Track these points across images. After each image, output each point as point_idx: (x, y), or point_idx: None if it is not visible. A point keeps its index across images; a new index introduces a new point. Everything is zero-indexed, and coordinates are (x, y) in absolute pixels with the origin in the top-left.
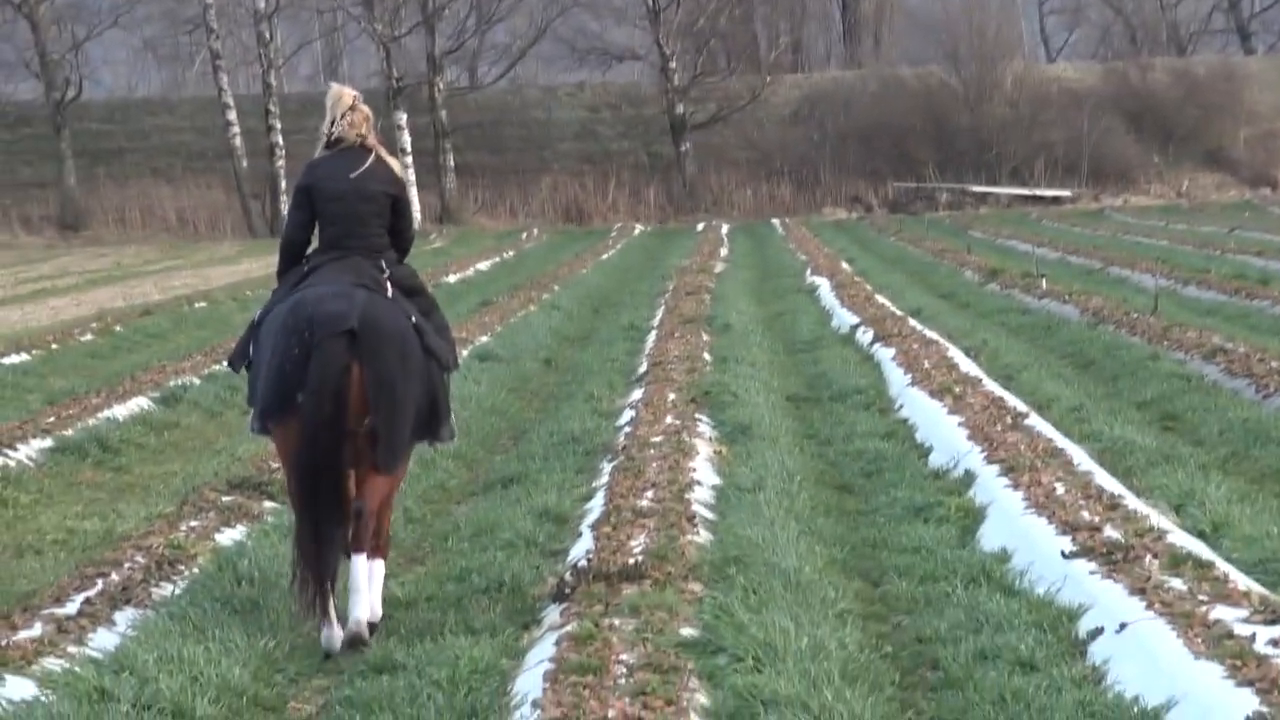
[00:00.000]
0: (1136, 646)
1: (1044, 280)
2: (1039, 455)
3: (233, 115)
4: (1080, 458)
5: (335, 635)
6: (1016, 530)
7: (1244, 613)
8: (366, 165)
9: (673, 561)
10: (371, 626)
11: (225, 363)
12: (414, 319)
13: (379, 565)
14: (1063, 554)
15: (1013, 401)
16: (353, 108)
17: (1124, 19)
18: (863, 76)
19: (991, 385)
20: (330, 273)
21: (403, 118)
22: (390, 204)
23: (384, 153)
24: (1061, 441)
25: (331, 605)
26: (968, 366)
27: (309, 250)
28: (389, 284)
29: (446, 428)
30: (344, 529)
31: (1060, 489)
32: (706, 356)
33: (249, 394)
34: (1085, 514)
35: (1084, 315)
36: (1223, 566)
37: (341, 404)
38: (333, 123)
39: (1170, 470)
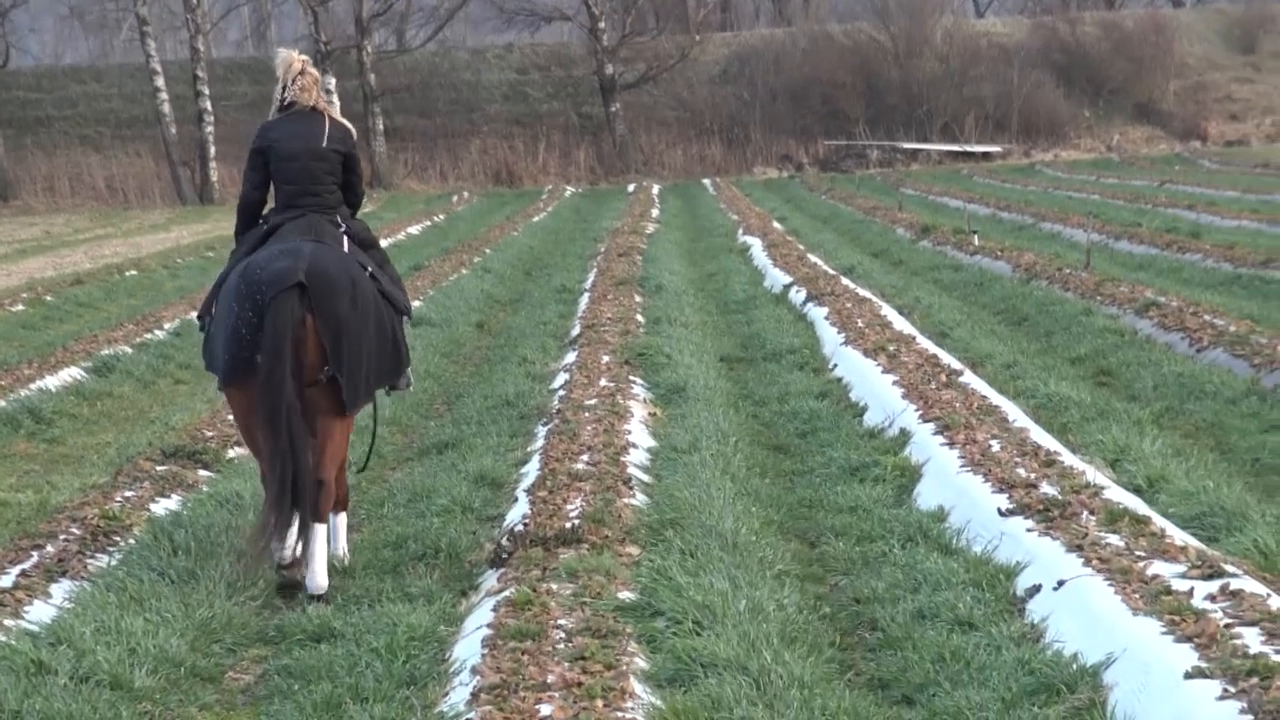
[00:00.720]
0: (1075, 603)
1: (976, 236)
2: (974, 413)
3: (161, 82)
4: (1015, 414)
5: (287, 552)
6: (953, 488)
7: (1181, 568)
8: (318, 125)
9: (609, 525)
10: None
11: (195, 317)
12: (370, 269)
13: (342, 517)
14: (999, 511)
15: (947, 359)
16: (303, 72)
17: None
18: (792, 34)
19: (925, 343)
20: (287, 232)
21: (331, 81)
22: (342, 161)
23: (334, 113)
24: (996, 398)
25: (292, 534)
26: (901, 324)
27: (266, 210)
28: (345, 238)
29: (404, 376)
30: (308, 476)
31: (996, 446)
32: (639, 318)
33: (206, 358)
34: (1021, 471)
35: (1016, 271)
36: (1159, 522)
37: (300, 356)
38: (284, 87)
39: (1105, 426)
